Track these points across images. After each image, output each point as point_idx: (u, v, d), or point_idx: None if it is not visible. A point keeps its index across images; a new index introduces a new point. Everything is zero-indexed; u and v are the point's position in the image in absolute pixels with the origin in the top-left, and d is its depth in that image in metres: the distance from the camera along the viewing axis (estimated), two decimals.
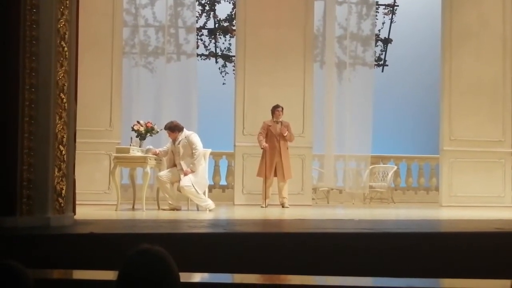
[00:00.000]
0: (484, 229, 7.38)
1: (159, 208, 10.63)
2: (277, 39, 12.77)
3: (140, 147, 10.61)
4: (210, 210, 10.28)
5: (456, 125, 13.16)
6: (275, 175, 11.84)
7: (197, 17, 14.44)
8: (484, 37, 13.26)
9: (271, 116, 11.94)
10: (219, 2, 15.35)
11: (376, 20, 14.91)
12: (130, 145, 10.43)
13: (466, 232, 7.12)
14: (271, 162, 11.76)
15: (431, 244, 6.36)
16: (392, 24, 15.97)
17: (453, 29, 13.23)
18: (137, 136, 10.69)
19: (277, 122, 11.88)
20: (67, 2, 6.68)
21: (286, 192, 11.81)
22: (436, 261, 5.99)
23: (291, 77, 12.77)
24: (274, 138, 11.81)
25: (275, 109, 11.90)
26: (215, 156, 13.68)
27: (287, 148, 11.89)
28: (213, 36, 15.65)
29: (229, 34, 15.44)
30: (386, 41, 16.02)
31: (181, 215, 9.74)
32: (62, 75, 6.57)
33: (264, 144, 11.77)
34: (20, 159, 6.30)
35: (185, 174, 10.30)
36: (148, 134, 10.77)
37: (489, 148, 13.16)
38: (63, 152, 6.56)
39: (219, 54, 15.76)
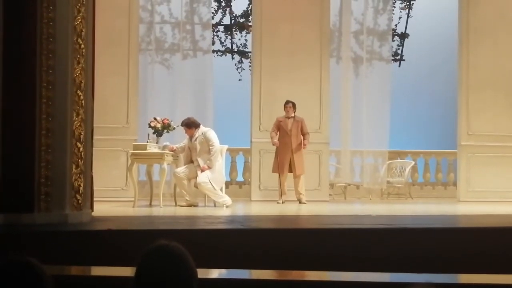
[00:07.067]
0: (502, 224, 7.33)
1: (176, 205, 10.65)
2: (293, 34, 12.75)
3: (157, 143, 10.62)
4: (227, 206, 10.28)
5: (474, 119, 13.06)
6: (290, 170, 11.81)
7: (213, 13, 14.43)
8: (501, 30, 13.14)
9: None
10: None
11: (393, 15, 14.84)
12: (147, 142, 10.46)
13: (484, 227, 7.09)
14: (284, 158, 11.68)
15: (449, 239, 6.34)
16: (409, 19, 15.89)
17: (470, 23, 13.14)
18: (154, 133, 10.70)
19: (289, 118, 11.82)
20: None
21: (303, 188, 11.75)
22: (454, 256, 5.96)
23: (308, 72, 12.74)
24: (286, 134, 11.71)
25: (285, 105, 11.79)
26: (232, 152, 13.69)
27: (300, 144, 11.79)
28: (229, 32, 15.64)
29: (245, 30, 15.42)
30: (403, 36, 15.95)
31: (198, 211, 9.75)
32: (79, 72, 6.60)
33: (275, 140, 11.72)
34: (38, 156, 6.33)
35: (202, 170, 10.32)
36: (165, 131, 10.77)
37: (507, 142, 13.04)
38: (81, 149, 6.59)
39: (235, 50, 15.75)
